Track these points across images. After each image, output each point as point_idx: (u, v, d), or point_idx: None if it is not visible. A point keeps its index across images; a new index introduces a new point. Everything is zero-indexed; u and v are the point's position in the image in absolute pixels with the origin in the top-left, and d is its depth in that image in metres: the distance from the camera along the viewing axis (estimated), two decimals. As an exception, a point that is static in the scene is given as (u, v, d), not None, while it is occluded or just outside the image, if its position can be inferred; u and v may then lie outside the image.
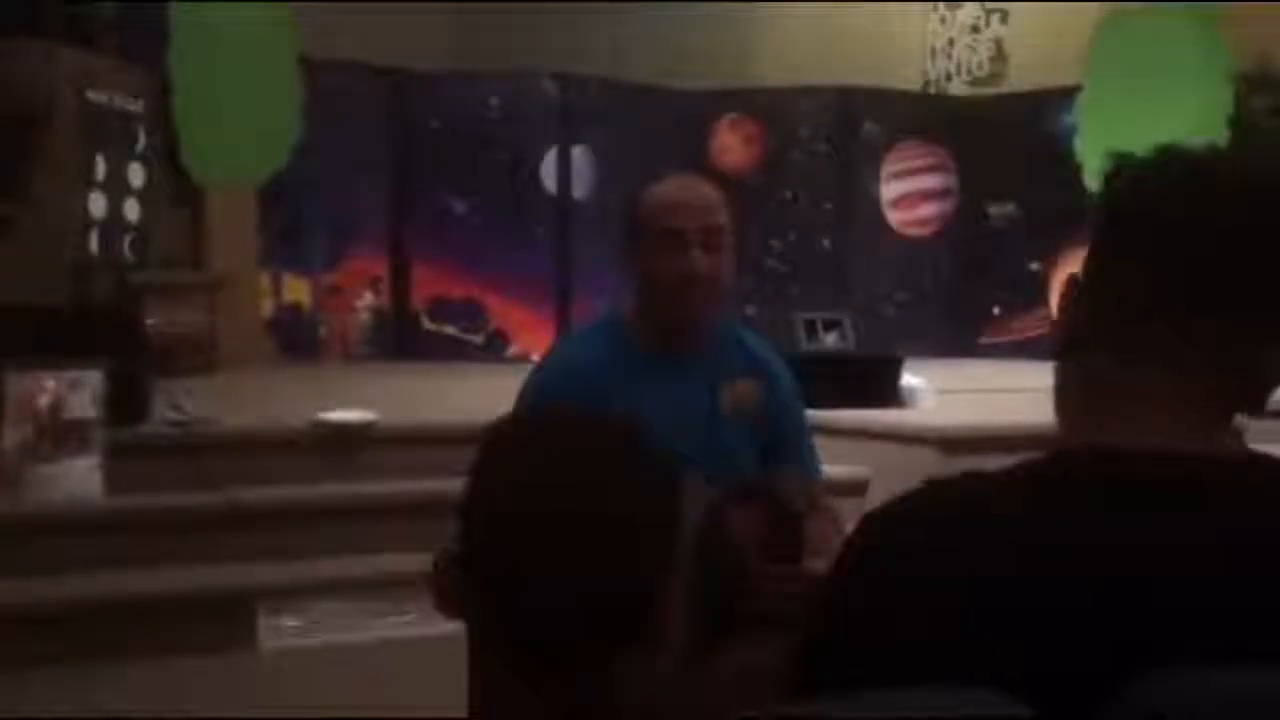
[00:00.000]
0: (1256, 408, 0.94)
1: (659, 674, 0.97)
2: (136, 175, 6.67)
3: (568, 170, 8.57)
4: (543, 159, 8.54)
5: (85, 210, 6.25)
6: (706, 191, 1.94)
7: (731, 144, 9.13)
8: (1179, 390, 0.91)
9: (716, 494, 1.38)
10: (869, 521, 0.94)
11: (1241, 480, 0.89)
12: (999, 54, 9.93)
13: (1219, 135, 7.80)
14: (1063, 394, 0.98)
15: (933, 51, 10.14)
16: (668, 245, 1.87)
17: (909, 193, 9.21)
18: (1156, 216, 0.92)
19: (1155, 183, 0.94)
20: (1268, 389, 0.93)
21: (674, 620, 0.97)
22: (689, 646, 1.28)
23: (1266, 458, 0.94)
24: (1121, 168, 0.96)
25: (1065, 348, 0.97)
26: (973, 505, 0.89)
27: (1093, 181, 1.01)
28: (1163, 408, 0.91)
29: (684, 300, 1.90)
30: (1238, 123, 7.94)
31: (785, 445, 2.01)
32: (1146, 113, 6.95)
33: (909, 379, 5.51)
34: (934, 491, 0.92)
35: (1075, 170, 6.96)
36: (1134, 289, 0.92)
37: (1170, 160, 0.96)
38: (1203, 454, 0.89)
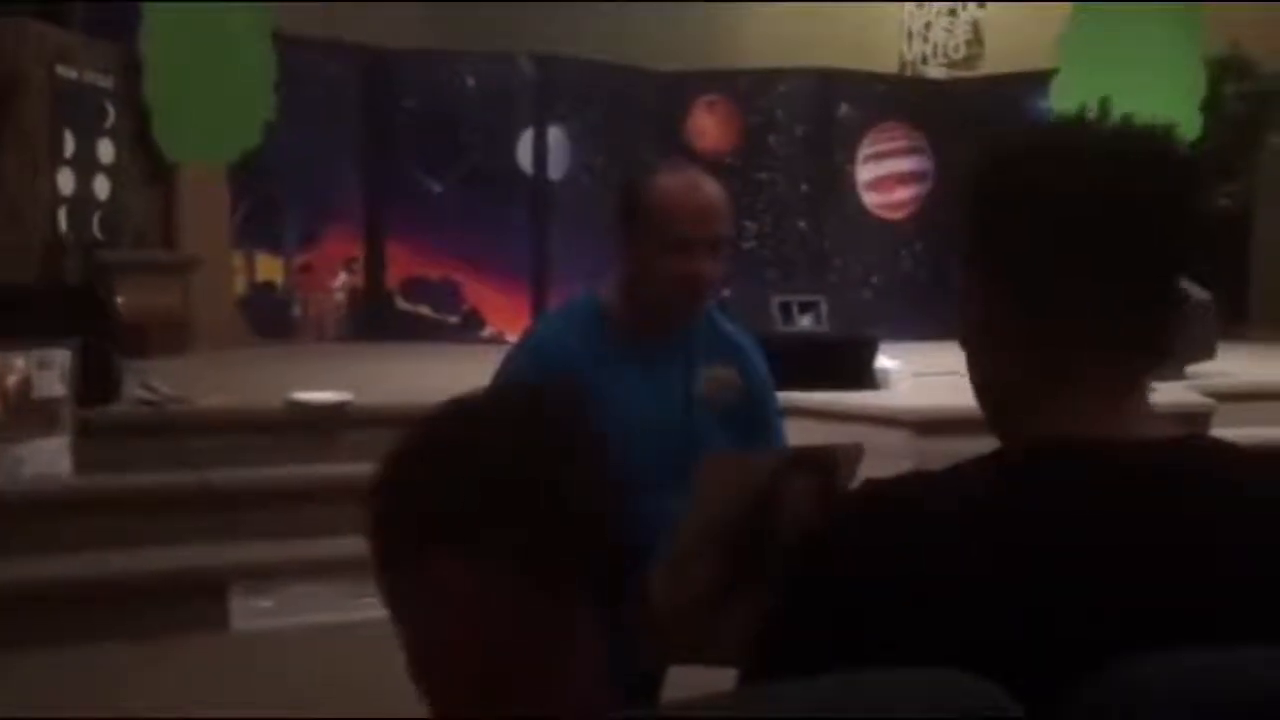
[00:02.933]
0: (1162, 370, 0.95)
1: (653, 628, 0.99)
2: (106, 152, 6.59)
3: (544, 151, 8.53)
4: (519, 139, 8.50)
5: (54, 187, 6.18)
6: (716, 198, 1.93)
7: (708, 126, 9.11)
8: (1093, 364, 0.91)
9: (779, 461, 1.42)
10: (823, 519, 0.94)
11: (1191, 463, 0.90)
12: (975, 37, 9.95)
13: (1192, 119, 7.86)
14: (984, 385, 0.98)
15: (909, 34, 10.15)
16: (674, 249, 1.89)
17: (885, 175, 9.22)
18: (1031, 196, 0.92)
19: (1024, 165, 0.94)
20: (1168, 351, 0.93)
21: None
22: (718, 595, 1.32)
23: (1211, 439, 0.94)
24: (990, 156, 0.97)
25: (974, 336, 0.97)
26: (920, 500, 0.89)
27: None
28: (1085, 385, 0.92)
29: (683, 301, 1.93)
30: (1210, 107, 7.99)
31: (757, 427, 2.02)
32: (1121, 97, 6.96)
33: (884, 361, 5.53)
34: (879, 489, 0.92)
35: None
36: (1023, 269, 0.92)
37: (1033, 141, 0.96)
38: (1149, 439, 0.90)
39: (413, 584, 0.95)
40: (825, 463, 1.44)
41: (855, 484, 1.45)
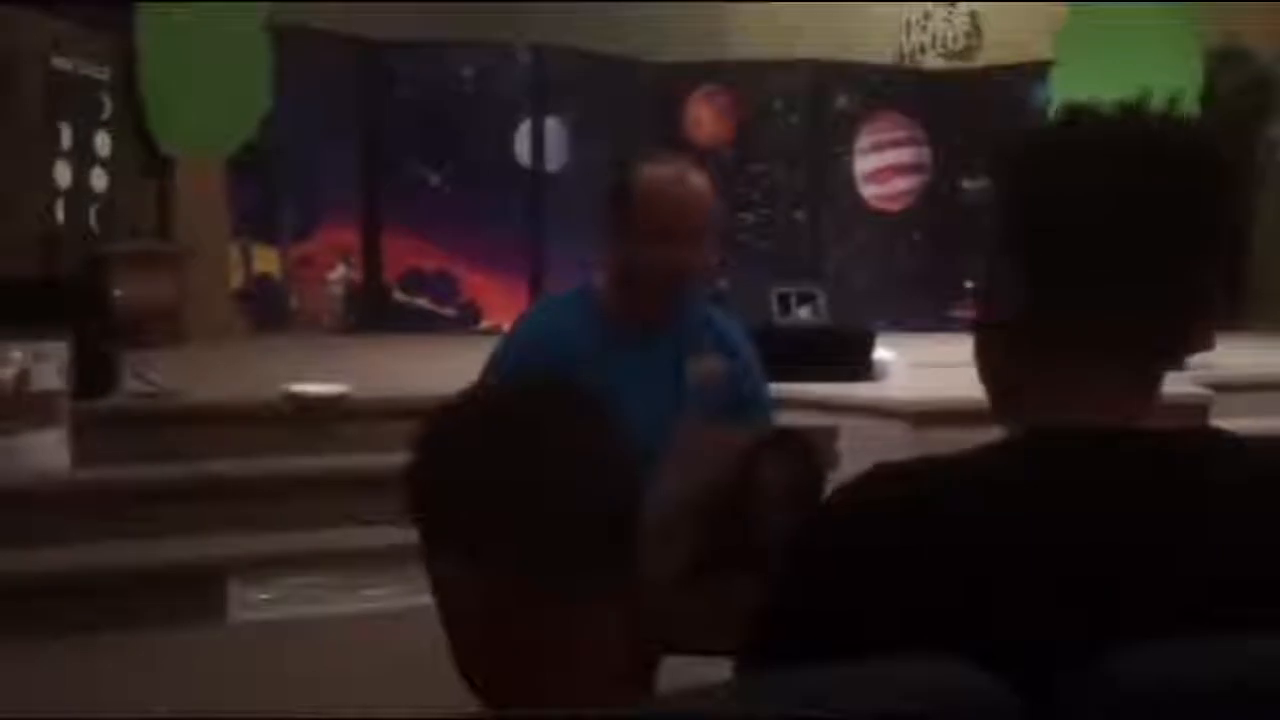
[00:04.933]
0: (1176, 362, 0.96)
1: (648, 612, 0.98)
2: (103, 144, 6.58)
3: (541, 142, 8.52)
4: (516, 131, 8.48)
5: (51, 180, 6.16)
6: (702, 187, 1.96)
7: (705, 117, 9.10)
8: (1106, 354, 0.92)
9: (750, 442, 1.42)
10: (826, 504, 0.94)
11: (1194, 452, 0.90)
12: (973, 27, 9.93)
13: (1190, 111, 7.84)
14: (993, 366, 0.99)
15: (907, 25, 10.13)
16: (662, 240, 1.91)
17: (883, 166, 9.22)
18: (1054, 185, 0.93)
19: (1049, 153, 0.95)
20: (1184, 343, 0.94)
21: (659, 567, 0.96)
22: (692, 576, 1.32)
23: (1213, 430, 0.95)
24: (1015, 142, 0.97)
25: (988, 320, 0.98)
26: (928, 485, 0.90)
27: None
28: (1094, 372, 0.92)
29: (672, 291, 1.96)
30: (1208, 100, 7.98)
31: (749, 420, 2.02)
32: (1119, 89, 6.96)
33: (881, 352, 5.53)
34: (888, 473, 0.92)
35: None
36: (1042, 257, 0.93)
37: (1062, 129, 0.96)
38: (1153, 430, 0.90)
39: (432, 581, 0.97)
40: (801, 444, 1.44)
41: (833, 466, 1.46)
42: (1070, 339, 0.92)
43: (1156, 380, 0.94)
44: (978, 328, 1.00)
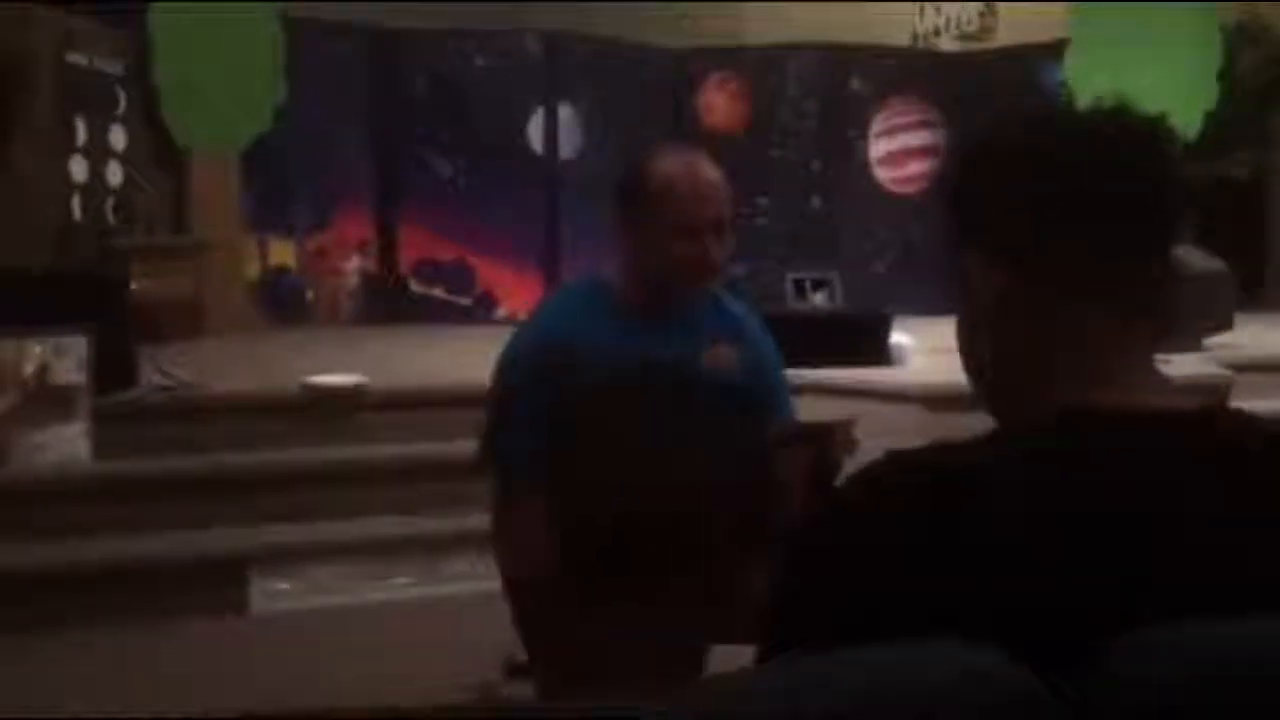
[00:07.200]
0: (1179, 342, 0.98)
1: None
2: (118, 138, 6.60)
3: (554, 130, 8.51)
4: (529, 119, 8.47)
5: (67, 174, 6.19)
6: (716, 179, 1.96)
7: (719, 102, 9.07)
8: (1103, 335, 0.92)
9: (776, 435, 1.42)
10: (836, 494, 0.94)
11: (1214, 434, 0.90)
12: (988, 9, 9.86)
13: (1209, 89, 7.78)
14: (983, 361, 0.99)
15: (921, 7, 10.07)
16: (679, 233, 1.91)
17: (898, 150, 9.17)
18: (1012, 172, 0.95)
19: (1009, 149, 0.97)
20: (1170, 321, 0.95)
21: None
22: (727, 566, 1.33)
23: (1232, 410, 0.94)
24: (978, 141, 1.00)
25: (975, 313, 0.98)
26: (942, 470, 0.89)
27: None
28: (1099, 356, 0.92)
29: (689, 283, 1.96)
30: (1227, 76, 7.92)
31: (764, 405, 2.02)
32: (1137, 67, 6.92)
33: (898, 337, 5.52)
34: (898, 461, 0.92)
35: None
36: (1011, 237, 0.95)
37: (1018, 127, 0.99)
38: (1173, 409, 0.90)
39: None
40: (819, 437, 1.45)
41: (851, 456, 1.46)
42: (1045, 323, 0.93)
43: (1145, 357, 0.94)
44: (963, 319, 1.00)
